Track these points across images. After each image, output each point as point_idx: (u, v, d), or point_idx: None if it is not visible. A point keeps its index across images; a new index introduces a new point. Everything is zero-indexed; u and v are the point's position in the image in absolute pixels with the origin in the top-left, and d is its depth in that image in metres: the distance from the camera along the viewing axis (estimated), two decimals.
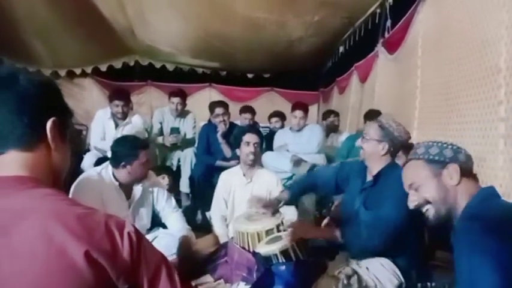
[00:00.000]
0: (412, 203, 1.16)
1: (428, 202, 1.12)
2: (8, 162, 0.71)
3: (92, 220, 0.67)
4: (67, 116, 0.79)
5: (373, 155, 1.71)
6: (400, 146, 1.75)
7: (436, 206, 1.11)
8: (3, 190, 0.68)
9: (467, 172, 1.10)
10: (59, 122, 0.75)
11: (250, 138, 2.46)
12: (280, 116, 4.27)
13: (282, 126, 4.15)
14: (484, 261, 0.84)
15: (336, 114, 4.44)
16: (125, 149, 2.02)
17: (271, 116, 4.31)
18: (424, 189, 1.12)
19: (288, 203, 1.98)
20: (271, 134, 3.92)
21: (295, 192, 2.02)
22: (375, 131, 1.71)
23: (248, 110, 4.10)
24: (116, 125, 3.43)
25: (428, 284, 1.53)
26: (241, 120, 4.07)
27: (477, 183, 1.12)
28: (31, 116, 0.71)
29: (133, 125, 3.41)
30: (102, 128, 3.46)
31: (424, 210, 1.15)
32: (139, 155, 2.00)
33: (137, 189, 2.14)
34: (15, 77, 0.72)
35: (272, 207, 1.90)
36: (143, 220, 2.19)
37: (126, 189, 2.11)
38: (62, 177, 0.80)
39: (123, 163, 2.01)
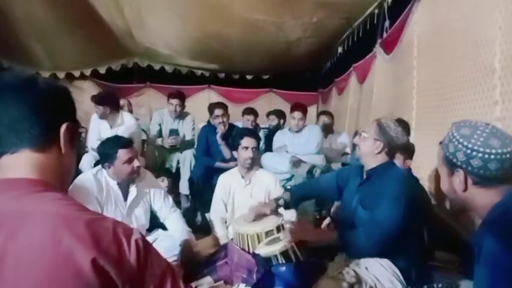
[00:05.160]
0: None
1: None
2: (20, 162, 0.72)
3: (100, 226, 0.68)
4: (76, 124, 0.81)
5: (368, 153, 1.72)
6: (397, 148, 1.75)
7: (450, 200, 1.09)
8: (14, 192, 0.69)
9: (479, 179, 0.97)
10: (72, 128, 0.78)
11: (248, 142, 2.45)
12: (277, 114, 4.29)
13: (278, 124, 4.19)
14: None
15: (328, 113, 4.44)
16: (105, 150, 2.04)
17: (269, 114, 4.36)
18: (442, 182, 1.10)
19: (287, 206, 1.98)
20: (271, 134, 3.92)
21: (296, 196, 2.01)
22: (373, 129, 1.72)
23: (251, 111, 4.10)
24: (111, 126, 3.43)
25: (435, 285, 1.52)
26: (244, 121, 4.06)
27: (503, 189, 0.96)
28: (49, 117, 0.74)
29: (127, 126, 3.40)
30: (98, 129, 3.47)
31: None
32: (118, 154, 1.99)
33: (133, 189, 2.14)
34: (35, 80, 0.75)
35: (270, 209, 1.91)
36: (141, 220, 2.20)
37: (124, 189, 2.12)
38: (68, 181, 0.83)
39: (106, 164, 2.04)
